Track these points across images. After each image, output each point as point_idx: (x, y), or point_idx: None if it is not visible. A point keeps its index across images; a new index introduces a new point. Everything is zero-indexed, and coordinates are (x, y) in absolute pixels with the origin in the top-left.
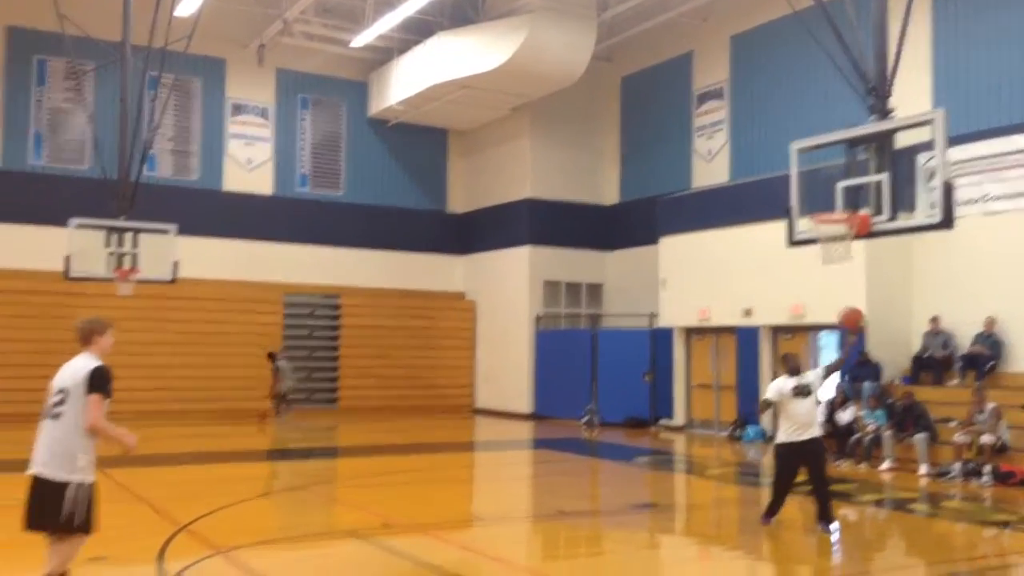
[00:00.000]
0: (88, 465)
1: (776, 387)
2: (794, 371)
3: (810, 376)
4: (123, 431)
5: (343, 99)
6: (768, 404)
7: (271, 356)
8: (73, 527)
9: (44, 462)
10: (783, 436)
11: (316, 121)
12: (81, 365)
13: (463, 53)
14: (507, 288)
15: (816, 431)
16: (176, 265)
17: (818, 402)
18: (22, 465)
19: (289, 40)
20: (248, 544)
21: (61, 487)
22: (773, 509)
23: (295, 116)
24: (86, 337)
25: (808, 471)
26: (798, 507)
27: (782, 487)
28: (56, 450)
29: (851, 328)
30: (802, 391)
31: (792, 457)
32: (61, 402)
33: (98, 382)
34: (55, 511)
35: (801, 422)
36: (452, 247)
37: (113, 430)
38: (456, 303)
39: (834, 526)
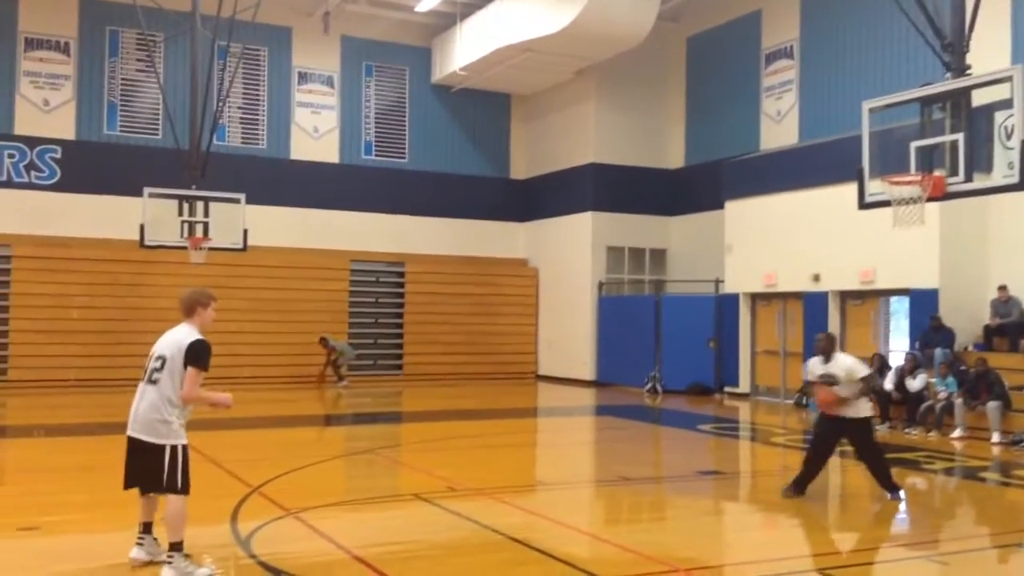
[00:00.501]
0: (180, 428)
1: (808, 368)
2: (824, 353)
3: (841, 366)
4: (218, 396)
5: (407, 65)
6: (809, 386)
7: (323, 341)
8: (177, 489)
9: (141, 425)
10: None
11: (380, 88)
12: (183, 335)
13: (526, 16)
14: (570, 254)
15: (858, 411)
16: (246, 233)
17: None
18: (106, 428)
19: (353, 7)
20: (316, 506)
21: (159, 450)
22: (801, 482)
23: (360, 84)
24: (190, 308)
25: (855, 451)
26: (865, 475)
27: (815, 459)
28: (151, 415)
29: (826, 407)
30: (827, 380)
31: (830, 431)
32: (160, 368)
33: (196, 355)
34: (156, 474)
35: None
36: (515, 214)
37: (209, 398)
38: (519, 270)
39: (901, 494)
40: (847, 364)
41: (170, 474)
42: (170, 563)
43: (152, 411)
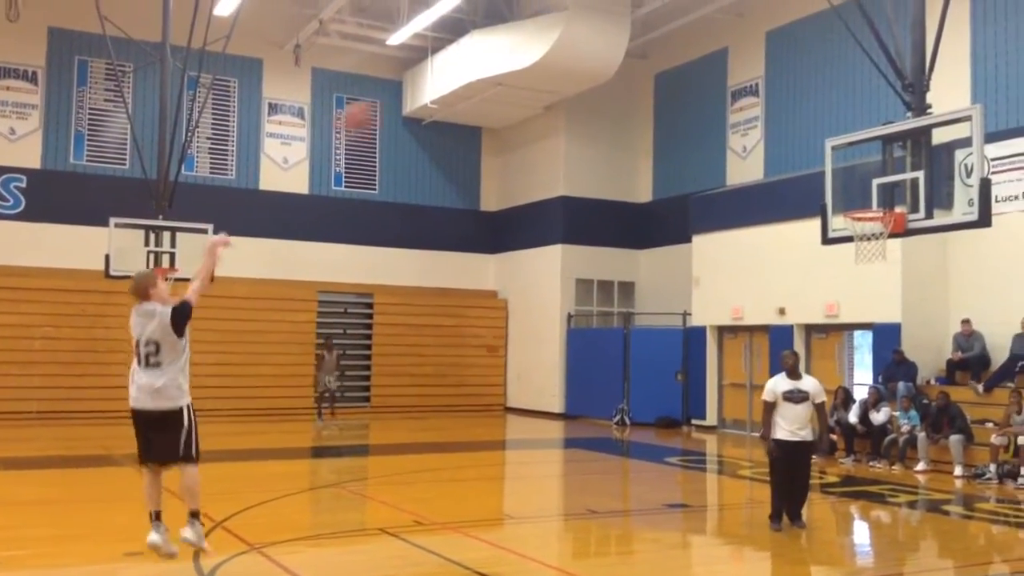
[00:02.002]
0: (188, 391)
1: (770, 387)
2: (790, 372)
3: (810, 383)
4: (209, 251)
5: (378, 98)
6: (770, 407)
7: (326, 345)
8: (192, 458)
9: (150, 398)
10: (783, 433)
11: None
12: (158, 312)
13: (497, 51)
14: (539, 286)
15: (808, 435)
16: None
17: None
18: (68, 462)
19: (325, 40)
20: (282, 541)
21: (176, 414)
22: (778, 512)
23: (330, 115)
24: (143, 291)
25: (793, 470)
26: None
27: (784, 483)
28: (161, 387)
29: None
30: (794, 397)
31: (790, 454)
32: (155, 352)
33: (183, 317)
34: (173, 444)
35: (795, 422)
36: (484, 246)
37: (208, 261)
38: (488, 301)
39: (801, 524)
40: (814, 382)
41: (187, 442)
42: (192, 526)
43: (163, 388)
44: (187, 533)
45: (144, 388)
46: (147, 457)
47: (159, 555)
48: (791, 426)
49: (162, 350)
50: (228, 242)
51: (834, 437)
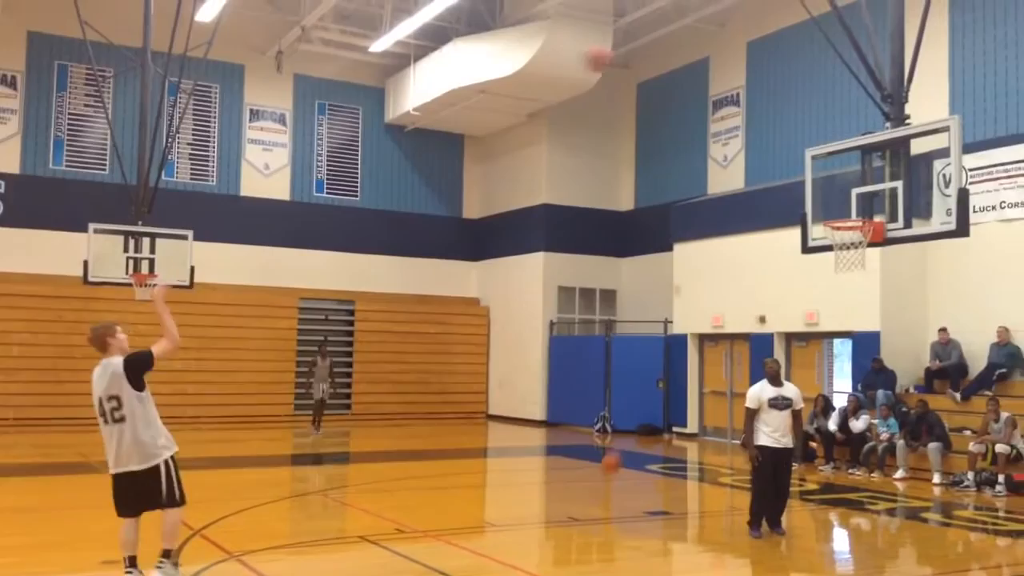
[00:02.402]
0: (167, 442)
1: (755, 394)
2: (773, 379)
3: (792, 391)
4: (158, 305)
5: (360, 105)
6: (752, 414)
7: (319, 351)
8: (176, 502)
9: (128, 458)
10: (767, 440)
11: (333, 127)
12: (114, 366)
13: (480, 59)
14: (521, 294)
15: (789, 442)
16: (193, 270)
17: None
18: (45, 469)
19: (307, 46)
20: (261, 549)
21: (154, 471)
22: (759, 519)
23: (312, 122)
24: (101, 343)
25: (775, 478)
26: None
27: (767, 490)
28: (137, 448)
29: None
30: (778, 404)
31: (771, 460)
32: (118, 407)
33: (138, 365)
34: (155, 494)
35: (782, 430)
36: (467, 253)
37: (165, 318)
38: (470, 309)
39: (780, 531)
40: (795, 389)
41: (168, 489)
42: (161, 568)
43: (136, 443)
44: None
45: (119, 449)
46: (123, 511)
47: None
48: (775, 433)
49: (123, 404)
50: (165, 288)
51: (814, 445)
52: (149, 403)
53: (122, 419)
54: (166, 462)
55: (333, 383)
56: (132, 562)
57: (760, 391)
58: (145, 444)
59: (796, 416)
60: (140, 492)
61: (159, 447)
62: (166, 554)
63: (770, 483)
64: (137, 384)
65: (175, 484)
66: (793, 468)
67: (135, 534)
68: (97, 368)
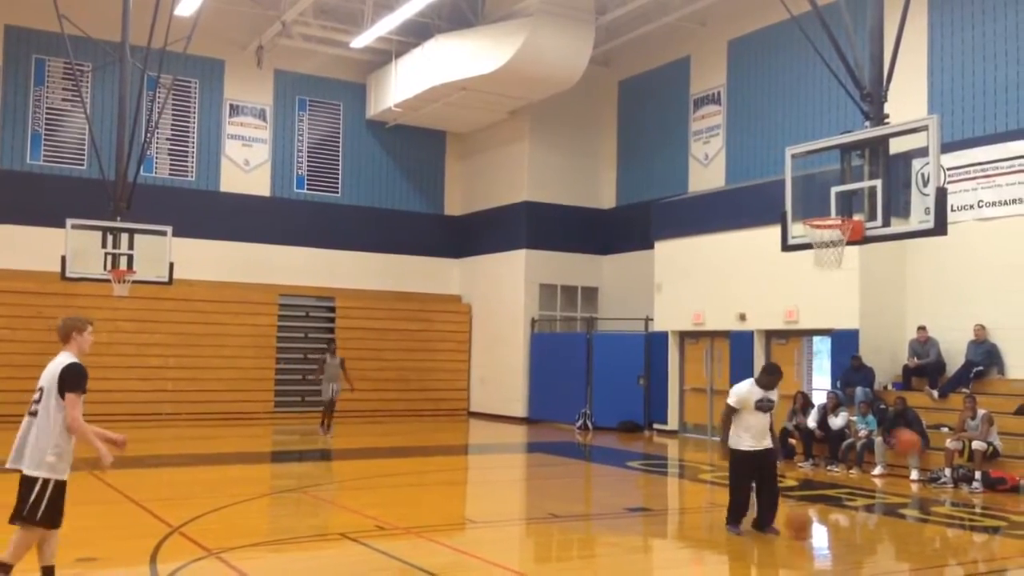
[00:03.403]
0: (57, 462)
1: (743, 395)
2: (768, 385)
3: (775, 395)
4: (104, 438)
5: (341, 101)
6: (731, 412)
7: (328, 349)
8: (35, 520)
9: (18, 457)
10: (743, 444)
11: (314, 123)
12: (58, 363)
13: (461, 55)
14: (503, 291)
15: (770, 442)
16: (172, 266)
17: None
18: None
19: (288, 42)
20: (240, 546)
21: (31, 480)
22: (739, 515)
23: (293, 118)
24: (65, 335)
25: (761, 480)
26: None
27: (746, 492)
28: (30, 445)
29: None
30: (763, 406)
31: (751, 465)
32: (39, 400)
33: (71, 380)
34: (22, 502)
35: (760, 434)
36: (448, 250)
37: (92, 437)
38: (452, 306)
39: (774, 531)
40: (775, 394)
41: (32, 505)
42: None
43: (30, 441)
44: None
45: (17, 443)
46: (11, 516)
47: None
48: (755, 437)
49: (44, 398)
50: (121, 446)
51: (793, 442)
52: (59, 417)
53: (34, 413)
54: (45, 481)
55: (348, 379)
56: (46, 572)
57: (749, 393)
58: (35, 449)
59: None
60: (18, 496)
61: (44, 462)
62: (2, 567)
63: (748, 485)
64: (61, 392)
65: (42, 504)
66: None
67: (46, 547)
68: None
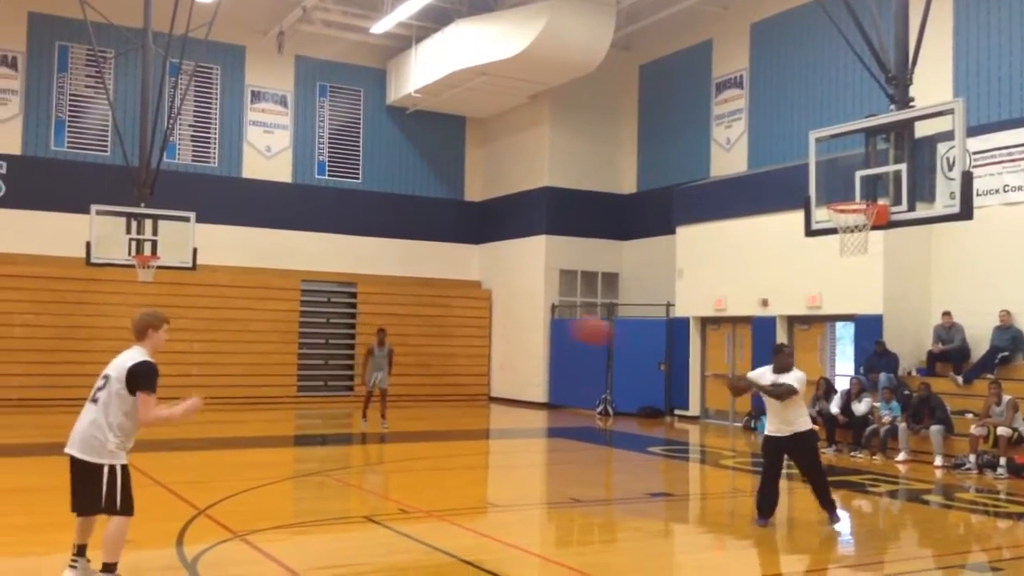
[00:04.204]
0: (117, 449)
1: (755, 376)
2: (780, 368)
3: (790, 379)
4: (181, 407)
5: (361, 86)
6: (743, 381)
7: (377, 337)
8: (116, 510)
9: (79, 444)
10: (767, 429)
11: (334, 108)
12: (129, 358)
13: (482, 40)
14: (523, 277)
15: (800, 427)
16: (195, 252)
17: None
18: (47, 449)
19: (308, 27)
20: (265, 528)
21: (96, 469)
22: (761, 503)
23: (313, 103)
24: (141, 331)
25: (798, 467)
26: (812, 498)
27: (767, 479)
28: (89, 434)
29: (593, 340)
30: (771, 392)
31: (773, 452)
32: (102, 388)
33: (141, 378)
34: (95, 495)
35: (780, 418)
36: (468, 236)
37: (172, 414)
38: (472, 292)
39: (838, 515)
40: (797, 375)
41: (108, 495)
42: (77, 569)
43: (91, 429)
44: None
45: (76, 429)
46: (73, 504)
47: None
48: (776, 423)
49: (107, 387)
50: (196, 409)
51: (815, 427)
52: (129, 405)
53: (95, 400)
54: (112, 468)
55: (389, 371)
56: (80, 550)
57: (759, 377)
58: (96, 436)
59: (783, 387)
60: (84, 487)
61: (108, 449)
62: (107, 568)
63: (770, 471)
64: (130, 388)
65: (117, 491)
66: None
67: (86, 526)
68: (124, 351)
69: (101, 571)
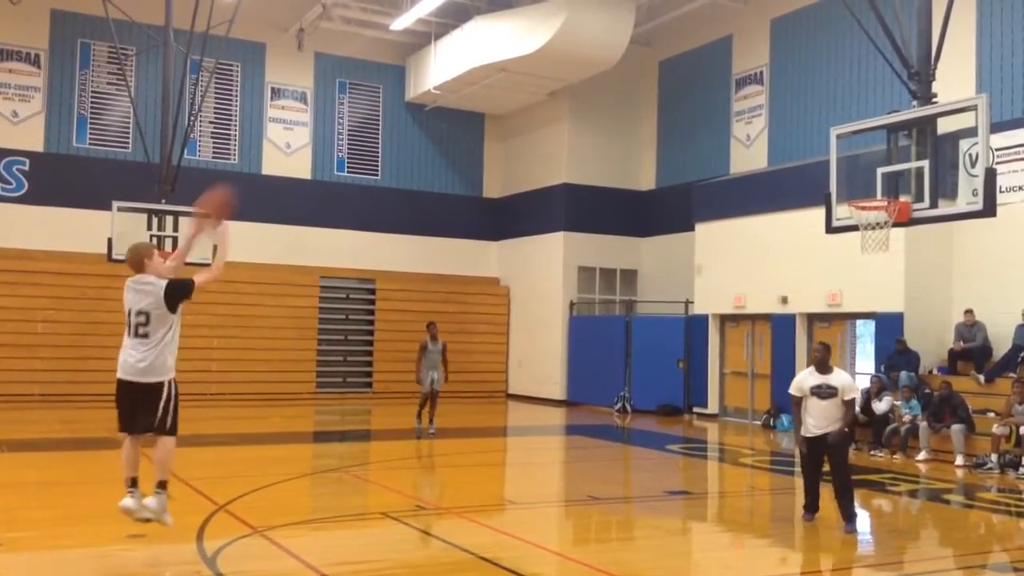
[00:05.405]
0: (173, 365)
1: (797, 383)
2: (820, 365)
3: (839, 379)
4: (223, 237)
5: (381, 83)
6: (797, 402)
7: (429, 332)
8: (166, 430)
9: (141, 371)
10: (807, 429)
11: (354, 105)
12: (154, 285)
13: (501, 37)
14: (541, 274)
15: (838, 425)
16: (215, 248)
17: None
18: (70, 444)
19: (328, 24)
20: (284, 524)
21: (157, 387)
22: (809, 504)
23: (333, 100)
24: (138, 264)
25: (829, 463)
26: (831, 497)
27: (811, 480)
28: (151, 360)
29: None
30: (821, 393)
31: (817, 450)
32: (145, 323)
33: (181, 291)
34: (151, 414)
35: (825, 416)
36: (487, 232)
37: (221, 247)
38: (491, 288)
39: (855, 526)
40: (844, 377)
41: (163, 414)
42: (158, 495)
43: (151, 357)
44: (150, 502)
45: (131, 359)
46: (127, 427)
47: (132, 519)
48: (816, 422)
49: (151, 322)
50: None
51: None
52: (175, 329)
53: (145, 336)
54: (170, 383)
55: (446, 368)
56: (134, 482)
57: (803, 379)
58: (154, 361)
59: (847, 406)
60: (139, 405)
61: (167, 367)
62: (161, 484)
63: (814, 473)
64: (172, 308)
65: (172, 410)
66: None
67: (136, 454)
68: (129, 282)
69: (157, 487)
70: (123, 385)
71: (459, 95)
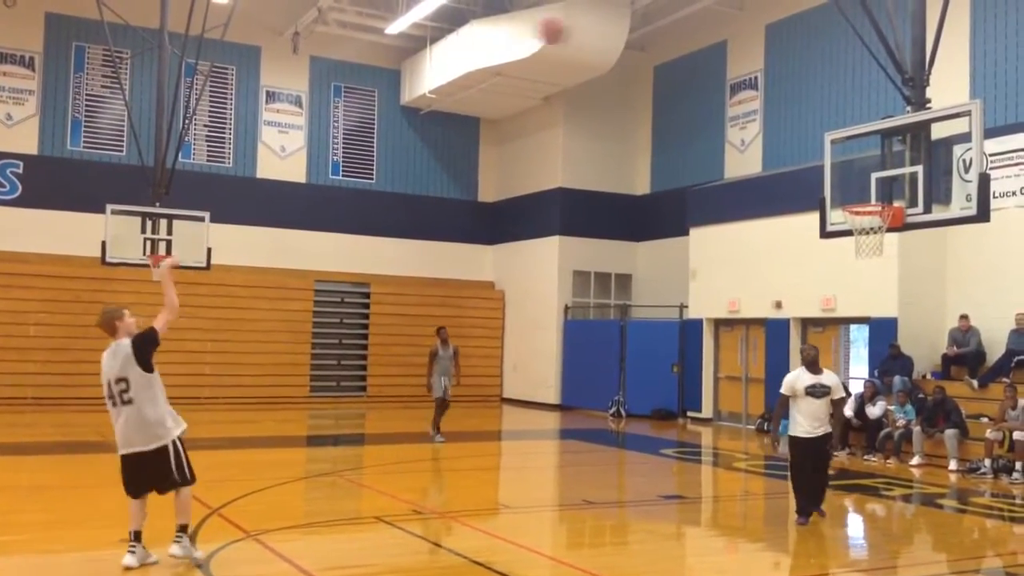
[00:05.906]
0: (174, 424)
1: (790, 382)
2: (811, 365)
3: (831, 379)
4: (164, 277)
5: (376, 87)
6: (784, 402)
7: (439, 336)
8: (187, 480)
9: (136, 439)
10: (801, 430)
11: (349, 109)
12: (124, 348)
13: (496, 41)
14: (536, 278)
15: (828, 426)
16: (209, 252)
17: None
18: (62, 447)
19: (323, 28)
20: (277, 528)
21: (162, 451)
22: (803, 508)
23: (328, 104)
24: (110, 327)
25: (814, 465)
26: (826, 501)
27: (803, 481)
28: (143, 429)
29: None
30: (816, 392)
31: (808, 451)
32: (126, 390)
33: (146, 345)
34: (164, 474)
35: (816, 417)
36: (482, 236)
37: (168, 295)
38: (485, 292)
39: (807, 520)
40: (835, 377)
41: (178, 469)
42: (178, 542)
43: (143, 425)
44: (174, 550)
45: (128, 430)
46: (135, 493)
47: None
48: (810, 422)
49: (131, 388)
50: (176, 261)
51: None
52: (157, 385)
53: (129, 401)
54: (174, 443)
55: (457, 372)
56: (137, 536)
57: (796, 379)
58: (151, 425)
59: (836, 405)
60: (148, 473)
61: (166, 428)
62: (182, 528)
63: (808, 474)
64: (146, 365)
65: (184, 463)
66: (834, 456)
67: (142, 511)
68: (107, 351)
69: (178, 531)
70: (129, 459)
71: (454, 99)
